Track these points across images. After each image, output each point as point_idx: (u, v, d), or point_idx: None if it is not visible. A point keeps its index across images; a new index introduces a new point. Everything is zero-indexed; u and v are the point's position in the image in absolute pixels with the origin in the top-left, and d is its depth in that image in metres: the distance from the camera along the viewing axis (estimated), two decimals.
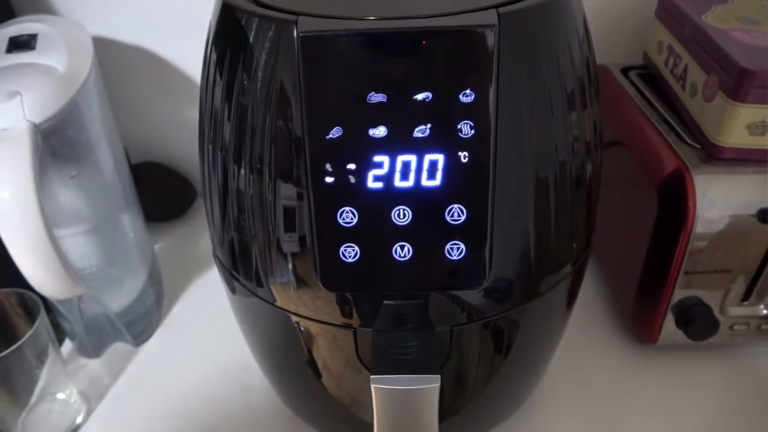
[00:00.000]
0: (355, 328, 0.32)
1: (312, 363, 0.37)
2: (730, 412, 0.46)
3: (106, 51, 0.62)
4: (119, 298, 0.51)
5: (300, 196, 0.29)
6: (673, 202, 0.42)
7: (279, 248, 0.31)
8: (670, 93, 0.50)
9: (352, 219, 0.28)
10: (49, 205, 0.41)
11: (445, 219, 0.28)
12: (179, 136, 0.69)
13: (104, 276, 0.50)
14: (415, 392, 0.29)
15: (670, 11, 0.51)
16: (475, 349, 0.35)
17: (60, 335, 0.53)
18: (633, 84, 0.55)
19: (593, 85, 0.33)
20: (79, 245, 0.47)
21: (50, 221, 0.37)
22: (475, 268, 0.29)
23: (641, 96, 0.52)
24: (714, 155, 0.42)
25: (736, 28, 0.44)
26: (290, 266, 0.31)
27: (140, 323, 0.54)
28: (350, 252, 0.29)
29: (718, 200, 0.41)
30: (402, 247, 0.28)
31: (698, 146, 0.44)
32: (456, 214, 0.28)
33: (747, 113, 0.40)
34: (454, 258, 0.29)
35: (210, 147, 0.33)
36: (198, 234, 0.66)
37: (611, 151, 0.52)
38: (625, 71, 0.57)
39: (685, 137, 0.45)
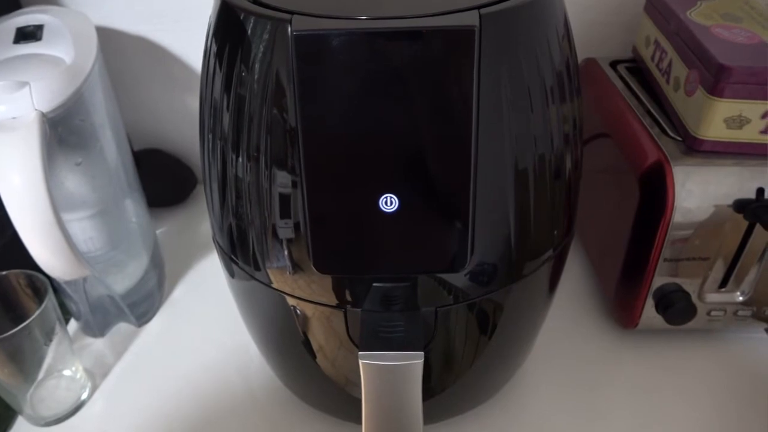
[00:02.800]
0: (345, 309, 0.34)
1: (307, 343, 0.39)
2: (708, 393, 0.48)
3: (109, 40, 0.63)
4: (123, 280, 0.53)
5: (294, 184, 0.31)
6: (654, 192, 0.44)
7: (275, 234, 0.33)
8: (656, 87, 0.52)
9: (342, 206, 0.30)
10: (56, 190, 0.43)
11: (430, 206, 0.30)
12: (180, 124, 0.71)
13: (108, 259, 0.52)
14: (400, 368, 0.31)
15: (657, 6, 0.52)
16: (460, 329, 0.37)
17: (66, 315, 0.55)
18: (621, 77, 0.56)
19: (573, 81, 0.34)
20: (84, 229, 0.49)
21: (57, 206, 0.39)
22: (459, 252, 0.31)
23: (628, 89, 0.54)
24: (694, 148, 0.44)
25: (718, 24, 0.46)
26: (285, 251, 0.33)
27: (143, 305, 0.56)
28: (341, 237, 0.31)
29: (696, 191, 0.43)
30: (389, 233, 0.30)
31: (680, 139, 0.46)
32: (440, 201, 0.30)
33: (724, 108, 0.42)
34: (439, 243, 0.31)
35: (210, 136, 0.35)
36: (199, 219, 0.68)
37: (598, 143, 0.54)
38: (614, 65, 0.58)
39: (668, 130, 0.47)
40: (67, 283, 0.48)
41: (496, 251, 0.33)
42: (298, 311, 0.37)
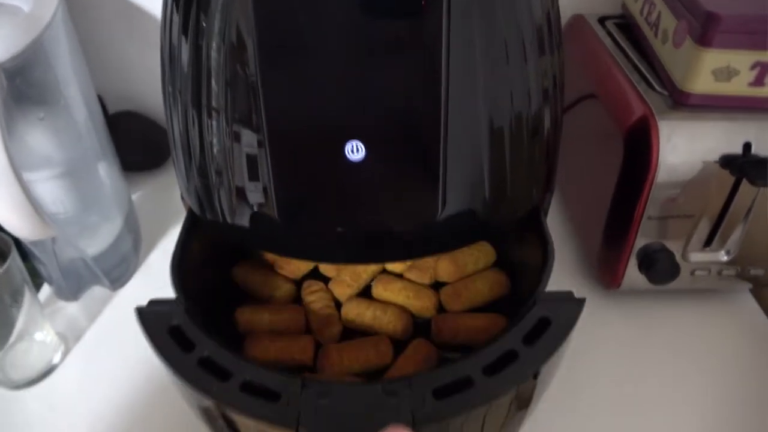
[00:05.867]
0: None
1: None
2: (692, 353, 0.48)
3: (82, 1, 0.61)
4: (95, 243, 0.52)
5: (256, 131, 0.29)
6: (639, 148, 0.43)
7: (238, 186, 0.32)
8: (644, 41, 0.50)
9: (306, 154, 0.29)
10: (17, 146, 0.41)
11: (398, 155, 0.29)
12: (156, 87, 0.68)
13: (79, 222, 0.51)
14: None
15: None
16: None
17: (38, 280, 0.53)
18: (609, 34, 0.54)
19: (554, 36, 0.33)
20: (52, 190, 0.47)
21: (18, 162, 0.37)
22: (429, 204, 0.30)
23: (616, 46, 0.52)
24: (680, 102, 0.43)
25: None
26: (250, 203, 0.32)
27: (117, 269, 0.54)
28: (306, 188, 0.29)
29: (682, 146, 0.42)
30: (356, 183, 0.29)
31: (666, 94, 0.44)
32: (409, 150, 0.29)
33: (712, 58, 0.40)
34: (408, 193, 0.29)
35: (170, 88, 0.33)
36: (175, 185, 0.66)
37: (584, 107, 0.53)
38: (602, 21, 0.57)
39: (655, 85, 0.46)
40: (34, 244, 0.46)
41: (469, 204, 0.32)
42: None
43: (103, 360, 0.48)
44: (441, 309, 0.46)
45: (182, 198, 0.39)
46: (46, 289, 0.54)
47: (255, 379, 0.29)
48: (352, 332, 0.45)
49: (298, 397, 0.28)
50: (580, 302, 0.33)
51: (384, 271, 0.49)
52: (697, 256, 0.47)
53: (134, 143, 0.66)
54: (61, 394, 0.46)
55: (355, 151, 0.28)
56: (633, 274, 0.48)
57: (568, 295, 0.34)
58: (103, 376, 0.47)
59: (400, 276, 0.48)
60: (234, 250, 0.49)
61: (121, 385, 0.46)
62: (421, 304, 0.45)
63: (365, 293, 0.47)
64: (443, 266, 0.47)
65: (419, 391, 0.28)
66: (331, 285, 0.48)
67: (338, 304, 0.46)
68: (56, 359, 0.48)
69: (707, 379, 0.46)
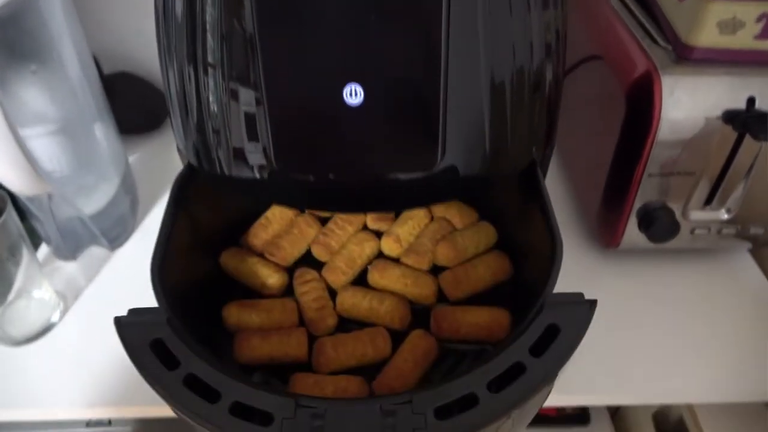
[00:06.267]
0: None
1: None
2: (691, 313, 0.48)
3: None
4: (91, 203, 0.51)
5: (252, 74, 0.29)
6: (641, 104, 0.42)
7: (234, 132, 0.31)
8: None
9: (304, 99, 0.28)
10: (10, 100, 0.41)
11: (398, 99, 0.28)
12: (152, 48, 0.67)
13: (76, 181, 0.50)
14: None
15: None
16: None
17: (36, 240, 0.53)
18: None
19: None
20: (47, 147, 0.47)
21: (11, 115, 0.37)
22: (428, 150, 0.29)
23: (621, 2, 0.51)
24: (684, 56, 0.42)
25: None
26: (246, 151, 0.32)
27: (115, 229, 0.54)
28: (303, 133, 0.29)
29: (684, 101, 0.41)
30: (354, 128, 0.29)
31: (670, 48, 0.44)
32: (408, 94, 0.28)
33: (718, 9, 0.39)
34: (407, 139, 0.29)
35: (164, 41, 0.33)
36: (173, 146, 0.66)
37: (585, 68, 0.52)
38: None
39: (659, 40, 0.45)
40: (30, 201, 0.46)
41: (469, 154, 0.32)
42: None
43: (102, 318, 0.48)
44: (440, 294, 0.45)
45: (178, 150, 0.39)
46: (44, 249, 0.54)
47: (246, 400, 0.27)
48: (348, 321, 0.44)
49: (291, 420, 0.26)
50: (591, 305, 0.31)
51: (380, 256, 0.47)
52: (697, 215, 0.47)
53: (130, 105, 0.65)
54: (60, 352, 0.46)
55: (353, 95, 0.27)
56: (632, 233, 0.48)
57: (577, 298, 0.31)
58: (102, 335, 0.47)
59: (396, 261, 0.47)
60: (221, 237, 0.48)
61: (118, 342, 0.46)
62: (420, 291, 0.44)
63: (361, 281, 0.46)
64: (442, 250, 0.46)
65: (420, 410, 0.27)
66: (324, 272, 0.46)
67: (332, 293, 0.45)
68: (55, 317, 0.48)
69: (705, 339, 0.46)
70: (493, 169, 0.33)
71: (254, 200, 0.48)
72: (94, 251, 0.54)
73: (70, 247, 0.52)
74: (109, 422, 0.49)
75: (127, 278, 0.52)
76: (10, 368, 0.45)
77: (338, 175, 0.30)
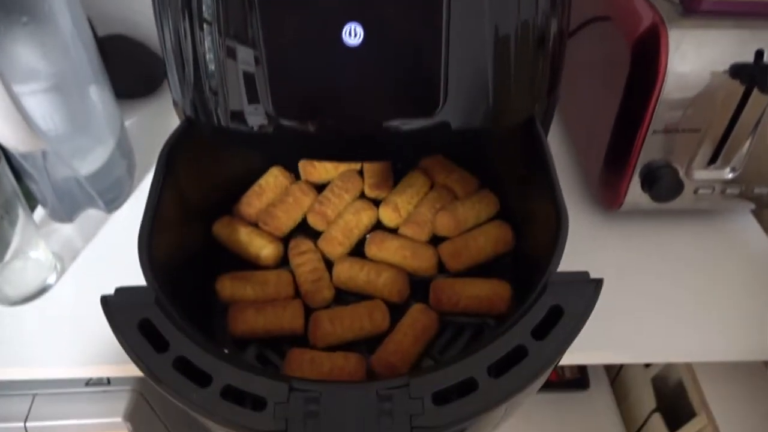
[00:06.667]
0: None
1: None
2: (693, 275, 0.47)
3: None
4: (87, 165, 0.51)
5: (249, 8, 0.28)
6: (647, 58, 0.41)
7: (230, 78, 0.30)
8: None
9: (302, 38, 0.27)
10: (0, 52, 0.40)
11: (398, 41, 0.27)
12: (148, 9, 0.66)
13: (70, 141, 0.50)
14: None
15: None
16: None
17: (33, 203, 0.53)
18: None
19: None
20: (40, 104, 0.46)
21: (1, 66, 0.36)
22: (429, 94, 0.28)
23: None
24: (691, 9, 0.41)
25: None
26: (243, 97, 0.31)
27: (112, 191, 0.54)
28: (301, 75, 0.28)
29: (691, 54, 0.40)
30: (354, 70, 0.28)
31: (677, 1, 0.42)
32: (410, 34, 0.27)
33: None
34: (408, 82, 0.28)
35: None
36: (169, 110, 0.64)
37: (588, 31, 0.51)
38: None
39: None
40: (24, 158, 0.45)
41: (470, 103, 0.31)
42: None
43: (99, 280, 0.48)
44: (440, 266, 0.44)
45: (174, 104, 0.38)
46: (40, 212, 0.53)
47: (238, 384, 0.26)
48: (345, 293, 0.43)
49: (285, 404, 0.25)
50: (597, 284, 0.29)
51: (378, 225, 0.46)
52: (701, 174, 0.46)
53: (126, 69, 0.64)
54: (57, 313, 0.46)
55: (352, 35, 0.27)
56: (635, 194, 0.47)
57: (582, 276, 0.30)
58: (97, 295, 0.46)
59: (395, 232, 0.46)
60: (213, 206, 0.47)
61: None
62: (420, 264, 0.43)
63: (359, 251, 0.45)
64: (442, 221, 0.45)
65: (417, 394, 0.26)
66: (320, 243, 0.45)
67: (328, 264, 0.44)
68: (52, 278, 0.48)
69: (707, 299, 0.46)
70: (495, 118, 0.33)
71: (250, 157, 0.47)
72: (91, 214, 0.53)
73: (66, 208, 0.51)
74: (108, 381, 0.49)
75: (124, 240, 0.50)
76: (7, 328, 0.45)
77: (337, 121, 0.29)
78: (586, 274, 0.30)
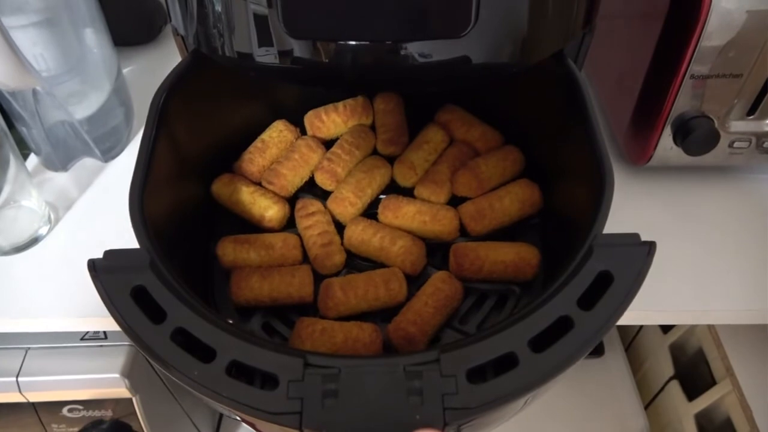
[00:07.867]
0: None
1: None
2: (722, 235, 0.45)
3: None
4: (81, 109, 0.48)
5: None
6: None
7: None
8: None
9: None
10: None
11: None
12: None
13: (63, 83, 0.47)
14: None
15: None
16: None
17: (25, 150, 0.50)
18: None
19: None
20: (32, 39, 0.43)
21: None
22: (460, 11, 0.25)
23: None
24: None
25: None
26: (253, 23, 0.28)
27: (109, 139, 0.51)
28: None
29: None
30: None
31: None
32: None
33: None
34: None
35: None
36: (169, 58, 0.61)
37: None
38: None
39: None
40: (16, 99, 0.43)
41: (503, 27, 0.28)
42: None
43: (93, 229, 0.46)
44: (461, 230, 0.41)
45: (174, 33, 0.35)
46: (34, 160, 0.51)
47: (245, 359, 0.23)
48: (356, 257, 0.40)
49: (300, 382, 0.22)
50: (651, 247, 0.26)
51: (392, 185, 0.43)
52: (738, 125, 0.43)
53: (125, 16, 0.61)
54: (50, 262, 0.43)
55: None
56: (666, 146, 0.44)
57: (632, 239, 0.26)
58: (92, 246, 0.44)
59: (410, 191, 0.42)
60: (212, 161, 0.43)
61: None
62: (441, 228, 0.40)
63: (371, 214, 0.41)
64: (463, 180, 0.41)
65: (450, 371, 0.22)
66: (329, 203, 0.41)
67: (339, 226, 0.40)
68: (44, 228, 0.45)
69: (735, 260, 0.43)
70: (528, 49, 0.29)
71: (253, 107, 0.44)
72: (87, 163, 0.50)
73: (60, 156, 0.49)
74: (105, 335, 0.47)
75: (120, 190, 0.48)
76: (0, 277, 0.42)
77: (358, 36, 0.26)
78: (636, 236, 0.26)
